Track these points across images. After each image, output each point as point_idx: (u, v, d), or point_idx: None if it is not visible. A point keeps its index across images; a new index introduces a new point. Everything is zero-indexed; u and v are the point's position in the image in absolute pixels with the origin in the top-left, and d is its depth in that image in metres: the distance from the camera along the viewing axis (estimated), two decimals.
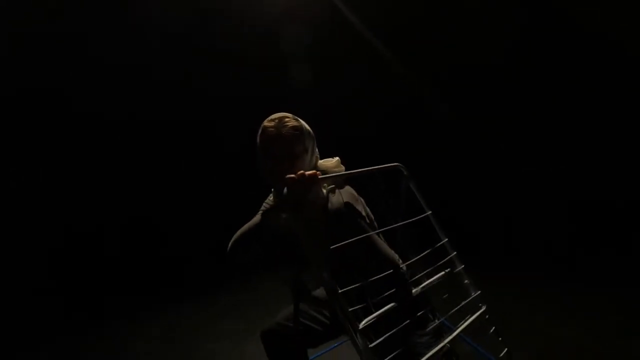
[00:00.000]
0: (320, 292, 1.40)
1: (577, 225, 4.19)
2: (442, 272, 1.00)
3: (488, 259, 3.69)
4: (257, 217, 1.07)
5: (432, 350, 0.84)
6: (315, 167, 1.09)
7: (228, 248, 1.07)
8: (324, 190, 1.04)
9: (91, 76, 4.14)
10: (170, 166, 5.31)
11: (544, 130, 4.98)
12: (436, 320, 1.04)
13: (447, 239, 1.04)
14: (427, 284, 0.95)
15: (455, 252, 1.03)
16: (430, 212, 1.07)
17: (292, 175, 0.86)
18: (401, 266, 0.94)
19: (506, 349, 1.12)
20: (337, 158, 1.14)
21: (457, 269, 1.02)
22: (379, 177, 1.05)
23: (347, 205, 0.99)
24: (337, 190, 1.06)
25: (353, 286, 0.84)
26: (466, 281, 1.03)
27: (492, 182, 5.22)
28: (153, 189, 5.16)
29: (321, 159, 1.15)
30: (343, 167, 1.13)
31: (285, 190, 0.87)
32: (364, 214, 1.03)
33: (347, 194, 1.05)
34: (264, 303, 2.92)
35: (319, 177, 0.88)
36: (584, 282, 2.90)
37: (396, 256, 1.03)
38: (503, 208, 5.05)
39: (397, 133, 5.85)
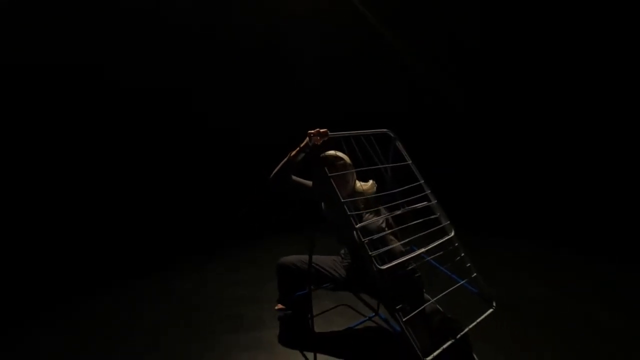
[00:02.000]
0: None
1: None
2: (420, 204, 1.29)
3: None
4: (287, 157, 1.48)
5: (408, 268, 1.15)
6: (354, 188, 1.56)
7: (270, 178, 1.48)
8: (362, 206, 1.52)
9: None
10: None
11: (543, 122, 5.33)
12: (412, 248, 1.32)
13: (423, 181, 1.34)
14: (407, 209, 1.25)
15: (430, 190, 1.33)
16: (411, 161, 1.38)
17: (312, 131, 1.35)
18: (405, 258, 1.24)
19: (475, 274, 1.37)
20: (372, 181, 1.59)
21: (432, 203, 1.32)
22: (370, 139, 1.39)
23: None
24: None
25: (362, 211, 1.16)
26: (438, 213, 1.32)
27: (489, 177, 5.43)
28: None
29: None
30: (375, 187, 1.59)
31: (307, 139, 1.36)
32: (384, 225, 1.44)
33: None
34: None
35: (329, 135, 1.37)
36: (572, 250, 3.07)
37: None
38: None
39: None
